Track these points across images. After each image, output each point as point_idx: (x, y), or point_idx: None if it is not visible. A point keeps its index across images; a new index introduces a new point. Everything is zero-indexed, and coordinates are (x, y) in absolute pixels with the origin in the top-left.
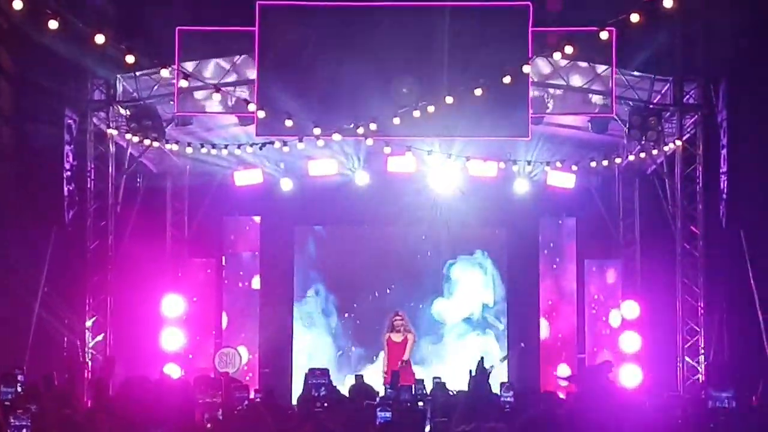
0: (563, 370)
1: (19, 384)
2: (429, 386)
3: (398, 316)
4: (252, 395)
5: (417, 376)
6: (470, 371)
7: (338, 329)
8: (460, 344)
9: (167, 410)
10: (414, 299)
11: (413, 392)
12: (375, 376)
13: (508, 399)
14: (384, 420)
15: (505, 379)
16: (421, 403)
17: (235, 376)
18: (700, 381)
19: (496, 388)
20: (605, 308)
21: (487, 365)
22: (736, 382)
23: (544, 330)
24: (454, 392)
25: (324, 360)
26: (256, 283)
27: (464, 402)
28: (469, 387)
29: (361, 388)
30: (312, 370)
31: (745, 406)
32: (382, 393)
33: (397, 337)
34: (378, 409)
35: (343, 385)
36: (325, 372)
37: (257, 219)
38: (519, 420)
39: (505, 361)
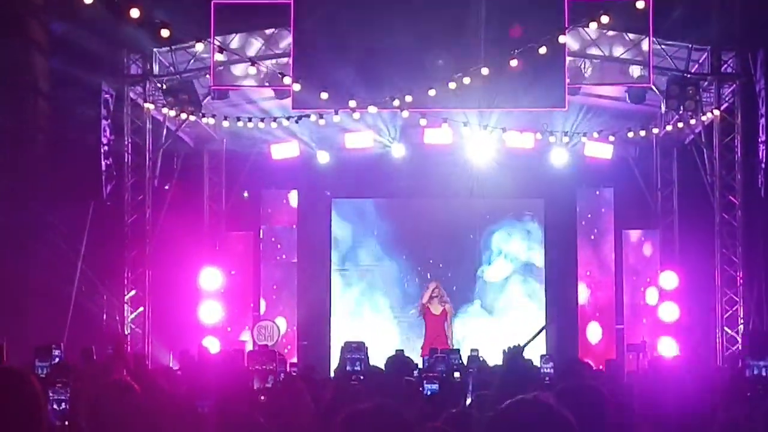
0: (594, 329)
1: (57, 358)
2: (465, 357)
3: (436, 287)
4: (287, 368)
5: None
6: (504, 350)
7: (386, 300)
8: (506, 292)
9: (209, 382)
10: (458, 267)
11: (449, 363)
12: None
13: (548, 371)
14: (431, 392)
15: (544, 351)
16: (457, 374)
17: (274, 349)
18: (739, 351)
19: (535, 360)
20: (643, 279)
21: (522, 341)
22: None
23: (583, 299)
24: (490, 365)
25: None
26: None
27: (502, 376)
28: (504, 363)
29: (397, 361)
30: (348, 344)
31: None
32: (420, 366)
33: (436, 309)
34: (425, 381)
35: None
36: (361, 345)
37: (294, 193)
38: (556, 389)
39: (543, 333)
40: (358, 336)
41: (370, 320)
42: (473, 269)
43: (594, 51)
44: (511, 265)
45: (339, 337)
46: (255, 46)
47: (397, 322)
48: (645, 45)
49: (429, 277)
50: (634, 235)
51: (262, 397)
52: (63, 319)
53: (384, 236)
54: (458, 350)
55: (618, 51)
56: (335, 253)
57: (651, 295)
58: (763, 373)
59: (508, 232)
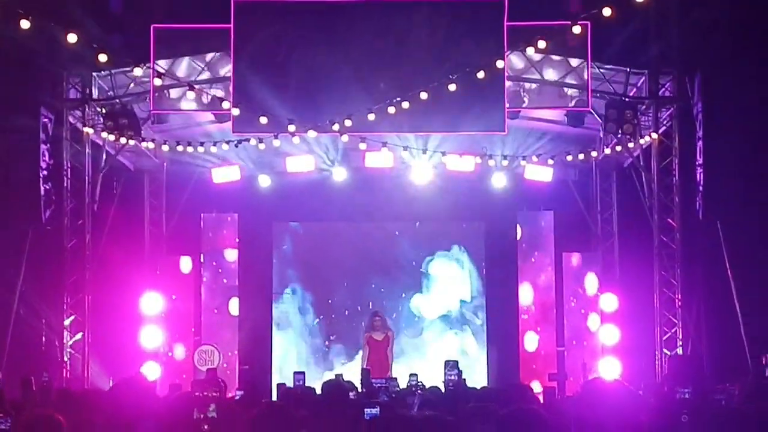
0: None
1: None
2: (403, 382)
3: (377, 316)
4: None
5: (393, 374)
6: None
7: (315, 327)
8: (438, 342)
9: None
10: (392, 295)
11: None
12: (354, 374)
13: (453, 377)
14: (371, 416)
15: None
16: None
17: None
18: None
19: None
20: (584, 302)
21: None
22: (700, 375)
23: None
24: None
25: (300, 358)
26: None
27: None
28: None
29: (334, 386)
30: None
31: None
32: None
33: (378, 336)
34: (366, 407)
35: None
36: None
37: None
38: (497, 415)
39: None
40: (298, 361)
41: (310, 345)
42: (409, 296)
43: (533, 75)
44: (445, 303)
45: (279, 361)
46: (194, 70)
47: (337, 347)
48: (583, 68)
49: (371, 306)
50: (575, 259)
51: (206, 427)
52: (2, 344)
53: (321, 261)
54: (396, 378)
55: (557, 75)
56: (276, 278)
57: (593, 321)
58: (686, 397)
59: (441, 262)
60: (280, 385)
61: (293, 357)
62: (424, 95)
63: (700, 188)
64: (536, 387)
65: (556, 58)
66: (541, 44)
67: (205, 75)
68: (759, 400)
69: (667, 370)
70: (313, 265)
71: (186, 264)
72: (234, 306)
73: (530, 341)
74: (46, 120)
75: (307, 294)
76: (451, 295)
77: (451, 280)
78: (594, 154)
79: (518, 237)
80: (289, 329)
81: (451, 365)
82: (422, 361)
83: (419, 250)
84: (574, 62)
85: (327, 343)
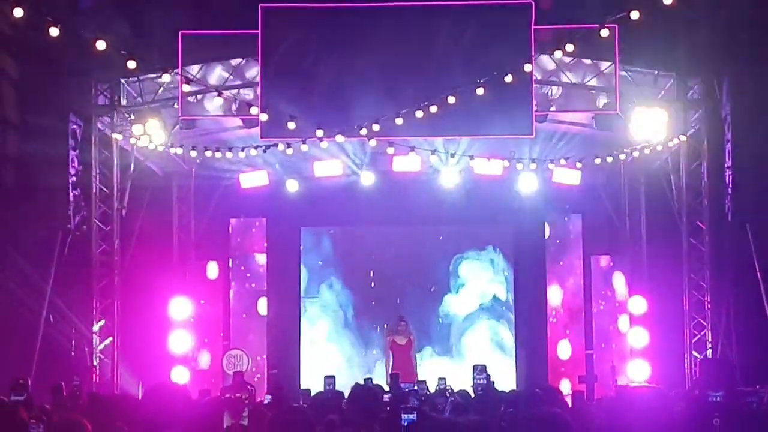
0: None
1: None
2: (432, 386)
3: (402, 321)
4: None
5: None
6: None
7: (349, 330)
8: (474, 330)
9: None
10: (423, 296)
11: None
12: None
13: (482, 381)
14: (409, 422)
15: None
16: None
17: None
18: (696, 378)
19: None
20: (612, 304)
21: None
22: (732, 378)
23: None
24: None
25: (334, 362)
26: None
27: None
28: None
29: (364, 390)
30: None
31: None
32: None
33: (401, 340)
34: (403, 413)
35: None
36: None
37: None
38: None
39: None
40: (327, 364)
41: (339, 348)
42: (440, 298)
43: (561, 78)
44: (477, 299)
45: (308, 365)
46: (223, 76)
47: (364, 350)
48: (611, 72)
49: (398, 302)
50: (603, 261)
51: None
52: (31, 349)
53: (349, 265)
54: (425, 381)
55: (585, 78)
56: (304, 282)
57: (623, 322)
58: (718, 400)
59: (474, 261)
60: (305, 391)
61: (323, 362)
62: (451, 99)
63: (729, 190)
64: (565, 387)
65: (585, 61)
66: (570, 47)
67: (234, 81)
68: None
69: (699, 374)
70: (344, 268)
71: (213, 269)
72: (262, 306)
73: (563, 349)
74: (75, 126)
75: (341, 295)
76: (482, 294)
77: (483, 280)
78: (622, 157)
79: (546, 236)
80: (320, 333)
81: (480, 369)
82: (457, 351)
83: (449, 252)
84: (602, 66)
85: (362, 348)
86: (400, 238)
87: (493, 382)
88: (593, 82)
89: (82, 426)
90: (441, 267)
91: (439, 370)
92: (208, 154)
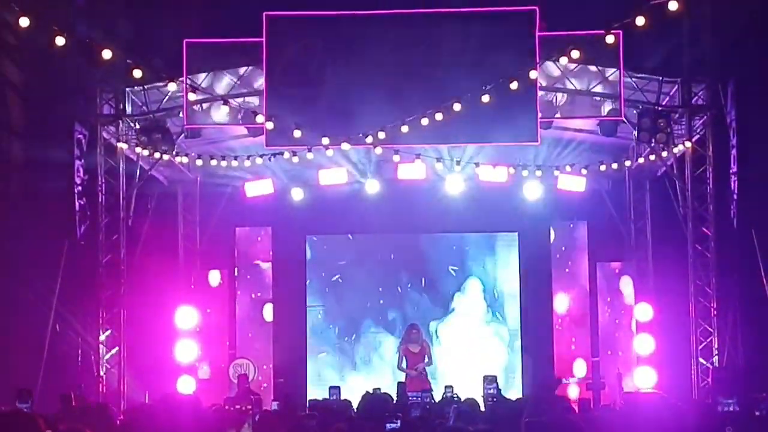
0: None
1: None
2: (438, 395)
3: (414, 329)
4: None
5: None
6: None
7: (351, 341)
8: (476, 344)
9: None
10: (429, 305)
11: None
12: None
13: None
14: (392, 429)
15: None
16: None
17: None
18: (708, 386)
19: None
20: (618, 312)
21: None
22: (743, 386)
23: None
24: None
25: (340, 371)
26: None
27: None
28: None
29: (372, 400)
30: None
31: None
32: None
33: (414, 348)
34: (387, 422)
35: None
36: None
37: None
38: (533, 424)
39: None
40: (332, 373)
41: (345, 357)
42: (446, 303)
43: (565, 84)
44: (484, 302)
45: (314, 374)
46: (229, 84)
47: (372, 359)
48: (616, 78)
49: (405, 309)
50: (611, 267)
51: None
52: (38, 359)
53: (355, 272)
54: (430, 390)
55: (588, 84)
56: (310, 290)
57: (627, 330)
58: (731, 409)
59: (482, 264)
60: (311, 401)
61: (327, 370)
62: (457, 106)
63: (735, 196)
64: (572, 393)
65: (589, 68)
66: (575, 54)
67: (238, 89)
68: None
69: (711, 383)
70: (347, 277)
71: (215, 277)
72: (268, 312)
73: (579, 368)
74: (80, 136)
75: (341, 306)
76: (485, 305)
77: (483, 291)
78: (627, 163)
79: (552, 240)
80: (324, 344)
81: (490, 379)
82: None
83: (452, 262)
84: (607, 72)
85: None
86: (405, 245)
87: (500, 390)
88: (598, 89)
89: None
90: (447, 274)
91: (440, 370)
92: (214, 162)
